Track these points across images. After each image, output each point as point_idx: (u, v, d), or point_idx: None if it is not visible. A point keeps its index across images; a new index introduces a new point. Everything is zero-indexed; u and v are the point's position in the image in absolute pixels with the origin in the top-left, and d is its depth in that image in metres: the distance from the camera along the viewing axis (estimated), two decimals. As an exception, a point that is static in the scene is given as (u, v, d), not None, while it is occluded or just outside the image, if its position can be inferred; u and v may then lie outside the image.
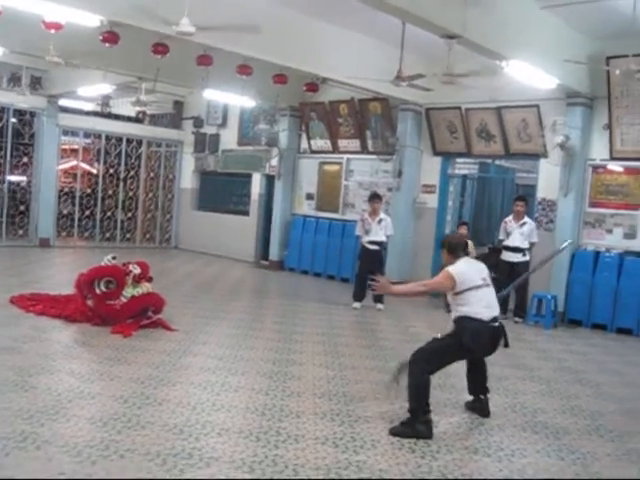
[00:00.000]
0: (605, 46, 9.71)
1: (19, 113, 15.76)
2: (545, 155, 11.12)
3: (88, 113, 17.52)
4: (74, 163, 17.47)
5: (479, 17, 7.65)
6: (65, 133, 16.83)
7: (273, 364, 6.71)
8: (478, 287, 5.21)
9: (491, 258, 10.12)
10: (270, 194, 15.89)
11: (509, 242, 10.56)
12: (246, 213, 16.69)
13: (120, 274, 8.03)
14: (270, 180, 15.93)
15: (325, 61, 10.50)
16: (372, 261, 10.47)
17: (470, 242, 9.07)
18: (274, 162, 15.47)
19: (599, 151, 10.68)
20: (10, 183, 15.96)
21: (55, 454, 4.08)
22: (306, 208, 15.24)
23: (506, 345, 5.47)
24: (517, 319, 10.43)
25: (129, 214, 18.29)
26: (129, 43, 8.77)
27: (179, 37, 8.12)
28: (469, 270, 5.29)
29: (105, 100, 17.30)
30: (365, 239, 10.72)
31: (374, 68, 10.14)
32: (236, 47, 9.29)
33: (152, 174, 18.56)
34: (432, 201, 12.91)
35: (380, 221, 10.71)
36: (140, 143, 18.12)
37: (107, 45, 8.50)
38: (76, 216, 17.15)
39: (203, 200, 18.29)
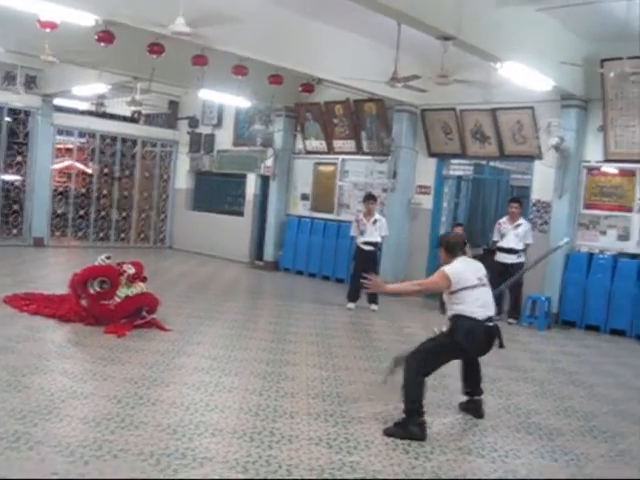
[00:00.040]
0: (600, 48, 9.72)
1: (13, 112, 15.69)
2: (540, 157, 11.14)
3: (83, 112, 17.46)
4: (69, 162, 17.40)
5: (474, 18, 7.67)
6: (60, 132, 16.76)
7: (267, 365, 6.70)
8: (474, 287, 5.22)
9: (486, 259, 10.11)
10: (265, 194, 15.89)
11: (503, 243, 10.58)
12: (241, 213, 16.67)
13: (114, 274, 8.02)
14: (265, 180, 15.93)
15: (321, 62, 10.50)
16: (367, 262, 10.46)
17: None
18: (269, 162, 15.45)
19: (593, 153, 10.70)
20: (4, 182, 15.88)
21: (48, 454, 4.06)
22: (301, 208, 15.24)
23: (501, 346, 5.48)
24: (511, 320, 10.44)
25: (123, 214, 18.22)
26: (124, 43, 8.73)
27: (174, 37, 8.11)
28: (465, 270, 5.30)
29: (100, 100, 17.26)
30: (360, 240, 10.72)
31: (369, 69, 10.15)
32: (231, 47, 9.29)
33: (147, 174, 18.50)
34: (427, 202, 12.93)
35: (375, 222, 10.72)
36: (135, 143, 18.07)
37: (102, 45, 8.47)
38: (70, 216, 17.11)
39: (198, 200, 18.27)
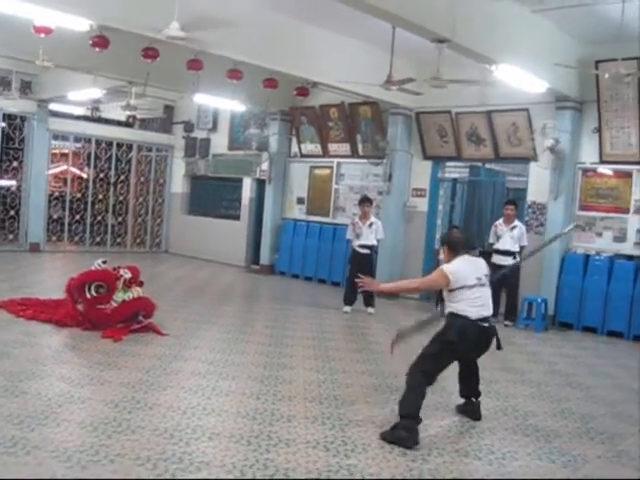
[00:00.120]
0: (594, 50, 9.76)
1: (9, 117, 15.68)
2: (535, 159, 11.16)
3: (78, 117, 17.46)
4: (64, 167, 17.43)
5: (469, 21, 7.69)
6: (55, 137, 16.79)
7: (264, 368, 6.70)
8: (472, 286, 5.21)
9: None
10: (261, 198, 15.88)
11: (499, 245, 10.57)
12: (237, 217, 16.66)
13: (111, 278, 8.01)
14: (261, 184, 15.93)
15: (315, 65, 10.51)
16: (363, 265, 10.43)
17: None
18: (265, 166, 15.47)
19: (589, 155, 10.73)
20: (0, 188, 15.88)
21: (45, 459, 4.05)
22: (297, 212, 15.24)
23: (499, 347, 5.49)
24: (507, 322, 10.44)
25: (119, 218, 18.25)
26: (119, 47, 8.75)
27: (169, 41, 8.12)
28: (465, 269, 5.29)
29: (95, 104, 17.26)
30: (356, 243, 10.73)
31: (364, 72, 10.17)
32: (226, 51, 9.29)
33: (142, 178, 18.52)
34: (422, 205, 12.94)
35: (371, 225, 10.73)
36: (130, 147, 18.07)
37: (97, 49, 8.47)
38: (66, 220, 17.10)
39: (194, 204, 18.26)
